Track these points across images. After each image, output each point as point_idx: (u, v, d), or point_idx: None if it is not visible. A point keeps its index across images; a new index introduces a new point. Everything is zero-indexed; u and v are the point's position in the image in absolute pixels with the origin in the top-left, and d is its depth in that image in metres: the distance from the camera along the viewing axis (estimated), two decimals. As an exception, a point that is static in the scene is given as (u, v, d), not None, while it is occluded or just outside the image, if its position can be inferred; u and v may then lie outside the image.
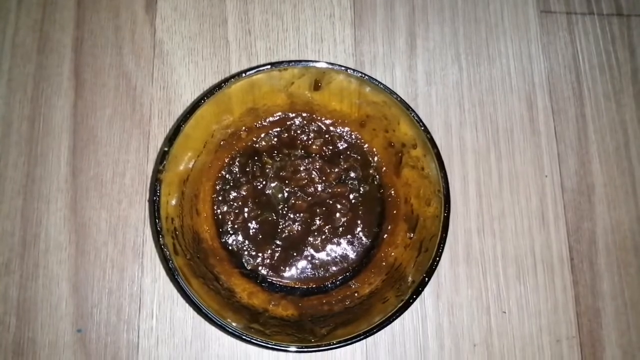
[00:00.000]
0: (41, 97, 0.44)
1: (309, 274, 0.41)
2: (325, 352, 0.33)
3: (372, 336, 0.34)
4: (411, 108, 0.36)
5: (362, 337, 0.33)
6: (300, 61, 0.36)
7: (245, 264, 0.40)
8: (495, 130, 0.47)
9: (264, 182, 0.41)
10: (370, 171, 0.42)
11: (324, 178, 0.42)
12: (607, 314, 0.44)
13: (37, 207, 0.42)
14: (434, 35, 0.48)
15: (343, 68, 0.36)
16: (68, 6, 0.46)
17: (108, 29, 0.46)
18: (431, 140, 0.36)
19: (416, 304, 0.42)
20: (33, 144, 0.43)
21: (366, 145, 0.42)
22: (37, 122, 0.43)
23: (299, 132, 0.42)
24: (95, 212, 0.42)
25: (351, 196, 0.42)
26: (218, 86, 0.35)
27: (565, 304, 0.44)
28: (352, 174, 0.42)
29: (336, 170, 0.42)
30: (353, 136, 0.42)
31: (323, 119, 0.42)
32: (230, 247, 0.40)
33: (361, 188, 0.42)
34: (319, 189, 0.42)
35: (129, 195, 0.43)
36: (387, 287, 0.38)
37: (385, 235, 0.41)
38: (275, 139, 0.42)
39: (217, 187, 0.41)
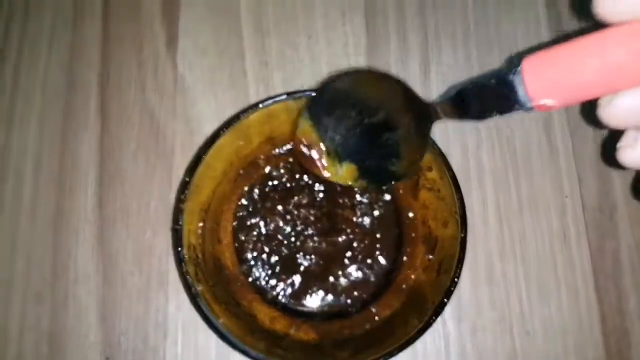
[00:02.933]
0: (70, 132, 0.46)
1: (330, 300, 0.41)
2: (348, 376, 0.33)
3: (394, 359, 0.34)
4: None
5: (382, 360, 0.33)
6: (315, 90, 0.37)
7: (265, 293, 0.41)
8: (512, 152, 0.47)
9: (281, 210, 0.42)
10: (387, 195, 0.43)
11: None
12: (636, 334, 0.43)
13: (66, 239, 0.44)
14: (448, 60, 0.49)
15: (356, 95, 0.37)
16: (94, 45, 0.48)
17: (131, 66, 0.48)
18: (446, 164, 0.37)
19: (439, 326, 0.42)
20: (62, 177, 0.45)
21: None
22: (66, 157, 0.45)
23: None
24: (121, 243, 0.44)
25: (367, 221, 0.42)
26: (236, 117, 0.36)
27: (590, 324, 0.43)
28: (365, 199, 0.43)
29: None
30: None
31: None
32: (250, 276, 0.41)
33: (376, 212, 0.42)
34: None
35: (153, 225, 0.44)
36: (407, 309, 0.38)
37: (405, 257, 0.41)
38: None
39: (237, 215, 0.42)
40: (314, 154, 0.33)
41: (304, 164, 0.34)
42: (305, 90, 0.37)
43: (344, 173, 0.34)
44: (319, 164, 0.33)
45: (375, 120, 0.32)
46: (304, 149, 0.33)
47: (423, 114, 0.31)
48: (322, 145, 0.33)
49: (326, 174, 0.34)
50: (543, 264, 0.44)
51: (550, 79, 0.19)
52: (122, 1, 0.49)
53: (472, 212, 0.45)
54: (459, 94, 0.27)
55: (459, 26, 0.50)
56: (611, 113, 0.19)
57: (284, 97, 0.37)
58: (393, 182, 0.35)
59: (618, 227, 0.45)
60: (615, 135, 0.21)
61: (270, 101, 0.37)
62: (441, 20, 0.50)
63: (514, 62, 0.21)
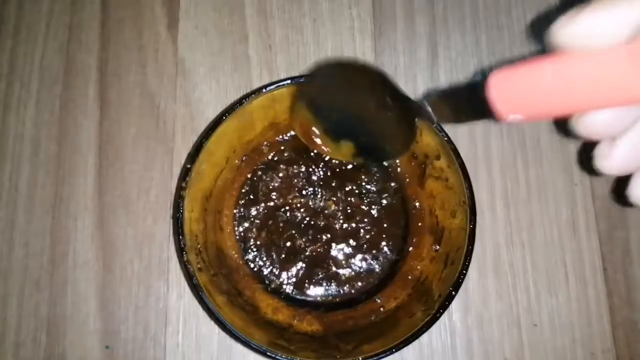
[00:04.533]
0: (68, 118, 0.45)
1: (334, 290, 0.40)
2: (351, 368, 0.33)
3: (399, 351, 0.33)
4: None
5: (388, 353, 0.33)
6: (308, 74, 0.36)
7: (269, 283, 0.40)
8: (521, 138, 0.46)
9: (284, 197, 0.41)
10: (392, 184, 0.42)
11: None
12: (645, 326, 0.42)
13: (65, 226, 0.43)
14: (456, 44, 0.48)
15: (363, 80, 0.36)
16: (93, 28, 0.47)
17: (132, 49, 0.46)
18: (455, 151, 0.36)
19: (444, 317, 0.42)
20: (61, 163, 0.44)
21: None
22: (65, 142, 0.44)
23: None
24: (121, 230, 0.43)
25: (373, 210, 0.41)
26: (239, 102, 0.35)
27: (599, 316, 0.42)
28: (373, 188, 0.42)
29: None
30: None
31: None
32: (253, 265, 0.40)
33: (383, 201, 0.41)
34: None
35: (154, 212, 0.43)
36: (413, 301, 0.37)
37: (411, 248, 0.40)
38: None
39: (240, 203, 0.41)
40: (314, 134, 0.34)
41: (307, 143, 0.34)
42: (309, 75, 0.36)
43: (342, 150, 0.34)
44: (319, 142, 0.34)
45: (366, 104, 0.33)
46: (304, 130, 0.34)
47: (408, 108, 0.31)
48: (319, 125, 0.34)
49: (326, 150, 0.34)
50: (551, 253, 0.43)
51: (514, 98, 0.20)
52: (122, -18, 0.48)
53: (480, 200, 0.43)
54: (436, 99, 0.27)
55: (468, 10, 0.48)
56: (582, 126, 0.19)
57: (288, 82, 0.36)
58: (389, 159, 0.36)
59: (628, 217, 0.44)
60: (589, 143, 0.21)
61: (274, 86, 0.36)
62: (450, 3, 0.48)
63: (483, 75, 0.20)
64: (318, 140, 0.34)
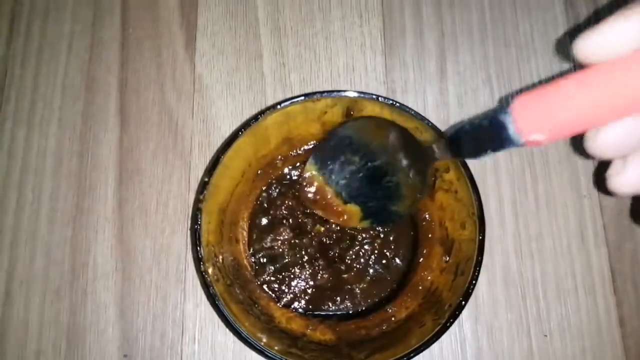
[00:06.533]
0: (89, 133, 0.47)
1: (346, 301, 0.41)
2: (364, 376, 0.34)
3: (410, 360, 0.34)
4: (443, 132, 0.37)
5: (399, 361, 0.33)
6: (332, 91, 0.37)
7: (281, 295, 0.41)
8: (529, 153, 0.46)
9: (297, 211, 0.42)
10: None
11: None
12: (655, 336, 0.42)
13: (86, 237, 0.44)
14: (464, 59, 0.49)
15: (374, 96, 0.37)
16: (113, 47, 0.49)
17: (150, 68, 0.48)
18: (464, 164, 0.37)
19: (455, 327, 0.42)
20: (82, 177, 0.46)
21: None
22: (86, 157, 0.46)
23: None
24: (140, 241, 0.44)
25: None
26: (254, 118, 0.37)
27: (609, 326, 0.43)
28: None
29: None
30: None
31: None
32: (265, 277, 0.41)
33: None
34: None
35: (172, 224, 0.45)
36: (424, 311, 0.38)
37: (421, 259, 0.41)
38: None
39: (254, 215, 0.42)
40: (320, 196, 0.37)
41: (309, 206, 0.38)
42: (323, 92, 0.37)
43: (348, 214, 0.38)
44: (328, 204, 0.37)
45: (377, 165, 0.36)
46: (310, 192, 0.38)
47: (421, 156, 0.34)
48: (328, 188, 0.37)
49: (335, 218, 0.38)
50: (560, 264, 0.44)
51: (539, 117, 0.21)
52: (141, 4, 0.50)
53: (489, 211, 0.44)
54: (454, 136, 0.28)
55: (476, 25, 0.50)
56: (597, 145, 0.20)
57: (302, 98, 0.37)
58: (395, 221, 0.38)
59: (636, 229, 0.45)
60: (604, 164, 0.22)
61: (287, 102, 0.37)
62: (458, 19, 0.50)
63: (505, 102, 0.21)
64: (325, 205, 0.37)
